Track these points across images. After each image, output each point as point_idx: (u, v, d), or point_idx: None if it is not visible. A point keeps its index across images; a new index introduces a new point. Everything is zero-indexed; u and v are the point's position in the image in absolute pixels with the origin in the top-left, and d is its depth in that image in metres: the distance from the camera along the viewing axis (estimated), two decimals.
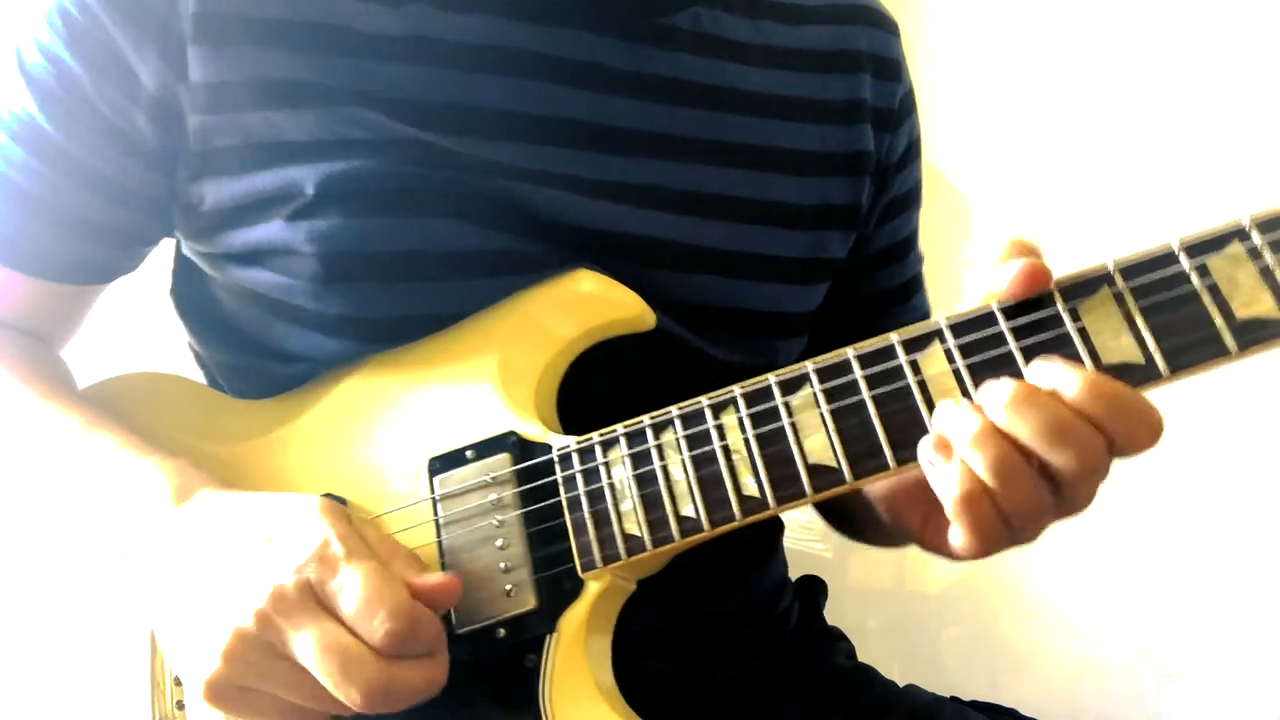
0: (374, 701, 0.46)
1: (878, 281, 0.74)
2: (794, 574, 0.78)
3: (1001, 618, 1.38)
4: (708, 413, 0.51)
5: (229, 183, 0.57)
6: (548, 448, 0.54)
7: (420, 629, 0.46)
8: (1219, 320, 0.44)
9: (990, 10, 1.57)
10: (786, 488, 0.49)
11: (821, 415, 0.49)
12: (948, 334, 0.48)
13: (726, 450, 0.50)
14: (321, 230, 0.56)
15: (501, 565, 0.53)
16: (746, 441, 0.50)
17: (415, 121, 0.57)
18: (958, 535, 0.46)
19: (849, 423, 0.48)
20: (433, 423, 0.58)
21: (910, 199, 0.75)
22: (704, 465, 0.51)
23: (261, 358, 0.62)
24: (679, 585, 0.60)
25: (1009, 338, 0.47)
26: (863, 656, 0.76)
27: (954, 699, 0.70)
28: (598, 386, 0.60)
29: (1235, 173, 1.18)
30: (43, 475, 0.60)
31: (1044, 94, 1.49)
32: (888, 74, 0.70)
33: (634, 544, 0.51)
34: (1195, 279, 0.44)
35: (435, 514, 0.55)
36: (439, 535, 0.55)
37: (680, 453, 0.51)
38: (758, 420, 0.50)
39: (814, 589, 0.76)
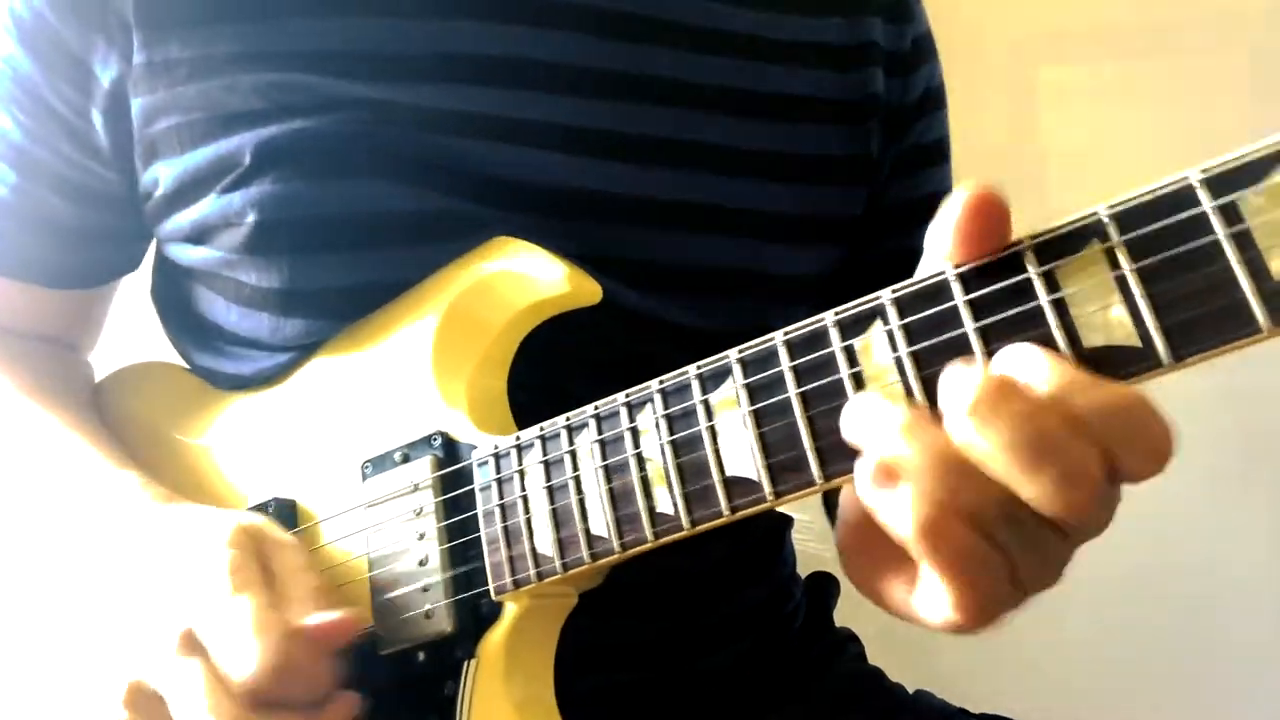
0: None
1: (894, 243, 0.63)
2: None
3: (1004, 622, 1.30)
4: (623, 413, 0.43)
5: (174, 162, 0.56)
6: (472, 449, 0.49)
7: (293, 674, 0.42)
8: (1246, 284, 0.31)
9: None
10: (702, 505, 0.41)
11: (743, 417, 0.40)
12: (891, 312, 0.37)
13: (640, 459, 0.43)
14: (253, 198, 0.53)
15: (422, 584, 0.48)
16: (661, 449, 0.42)
17: (346, 75, 0.54)
18: (935, 590, 0.34)
19: (772, 426, 0.39)
20: (371, 421, 0.54)
21: (936, 153, 0.65)
22: (616, 475, 0.43)
23: (221, 353, 0.60)
24: (671, 592, 0.55)
25: (964, 314, 0.36)
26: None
27: (963, 711, 0.61)
28: (562, 376, 0.53)
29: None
30: (15, 470, 0.61)
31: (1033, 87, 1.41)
32: (898, 15, 0.63)
33: (545, 566, 0.45)
34: (1219, 225, 0.31)
35: (363, 523, 0.51)
36: (367, 547, 0.51)
37: (594, 460, 0.44)
38: (674, 423, 0.42)
39: (825, 587, 0.67)
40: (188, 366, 0.67)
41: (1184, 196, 0.32)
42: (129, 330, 0.75)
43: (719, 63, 0.57)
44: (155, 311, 0.67)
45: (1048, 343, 0.33)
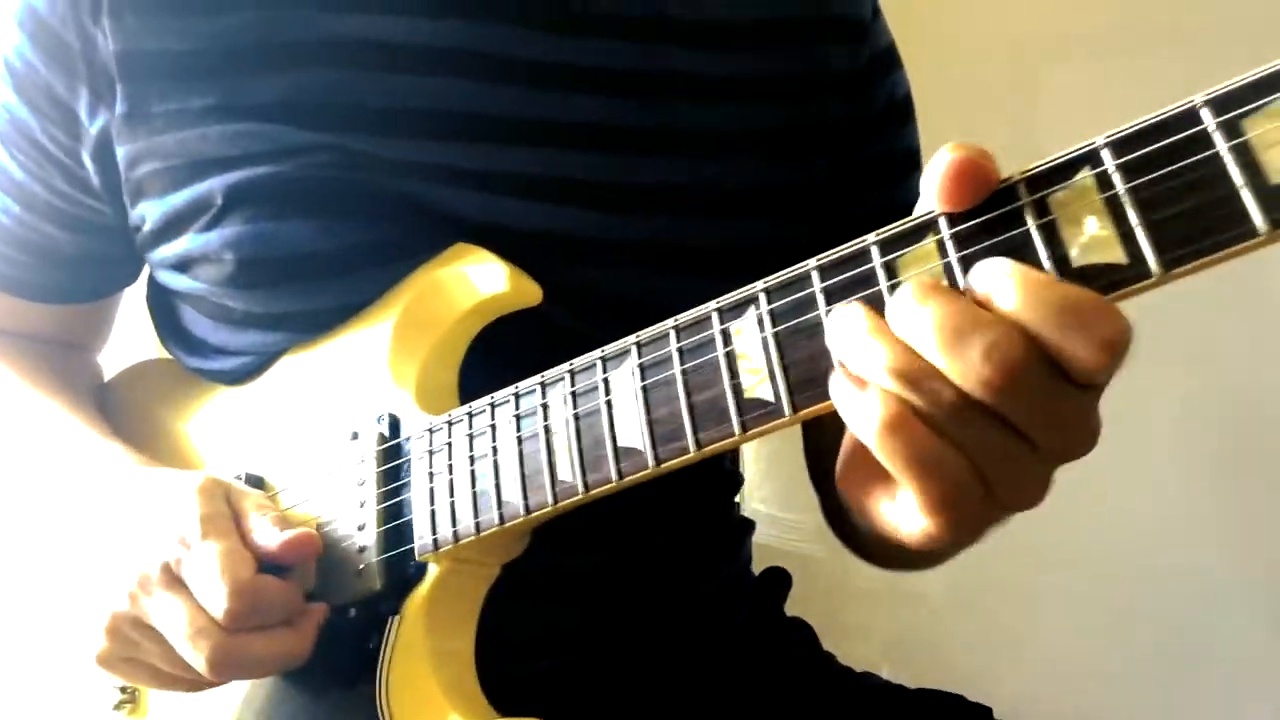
0: (220, 670, 0.49)
1: (879, 200, 0.66)
2: (795, 576, 0.73)
3: (1001, 617, 1.30)
4: (538, 390, 0.48)
5: (157, 203, 0.60)
6: (413, 427, 0.54)
7: (262, 602, 0.48)
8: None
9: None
10: (595, 470, 0.45)
11: (635, 392, 0.45)
12: (762, 299, 0.42)
13: (548, 430, 0.47)
14: (229, 238, 0.57)
15: (358, 546, 0.53)
16: (566, 420, 0.47)
17: (308, 124, 0.57)
18: (905, 497, 0.36)
19: (656, 399, 0.44)
20: (330, 402, 0.59)
21: (908, 164, 0.68)
22: (528, 445, 0.48)
23: (207, 356, 0.66)
24: (611, 578, 0.59)
25: (819, 300, 0.40)
26: (861, 656, 0.71)
27: (899, 686, 0.65)
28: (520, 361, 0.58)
29: None
30: (14, 456, 0.67)
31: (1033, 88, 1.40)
32: (853, 37, 0.65)
33: (461, 527, 0.49)
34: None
35: (316, 492, 0.56)
36: (318, 512, 0.56)
37: (512, 431, 0.49)
38: (579, 399, 0.47)
39: (776, 582, 0.70)
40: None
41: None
42: (134, 328, 0.81)
43: (666, 102, 0.60)
44: (150, 318, 0.72)
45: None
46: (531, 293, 0.56)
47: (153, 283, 0.71)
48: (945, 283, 0.36)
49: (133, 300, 0.78)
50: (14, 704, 0.72)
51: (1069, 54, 1.37)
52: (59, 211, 0.65)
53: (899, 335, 0.35)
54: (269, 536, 0.51)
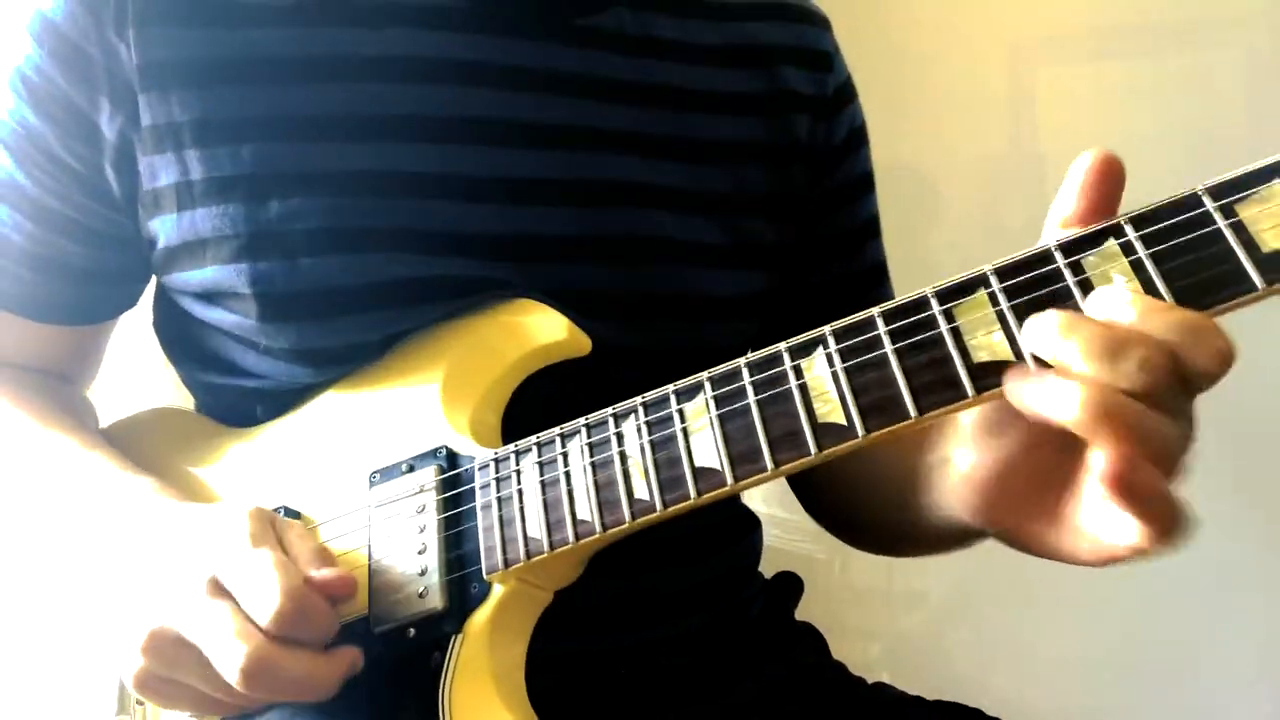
0: (251, 677, 0.48)
1: (841, 268, 0.75)
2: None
3: (1002, 619, 1.33)
4: (610, 421, 0.53)
5: (172, 220, 0.61)
6: (472, 459, 0.57)
7: (309, 613, 0.49)
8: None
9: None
10: (672, 490, 0.50)
11: (710, 420, 0.50)
12: (830, 339, 0.49)
13: (623, 456, 0.52)
14: (257, 273, 0.59)
15: (419, 569, 0.55)
16: (642, 447, 0.52)
17: (343, 138, 0.60)
18: (1116, 485, 0.39)
19: (733, 426, 0.49)
20: (380, 440, 0.62)
21: (861, 185, 0.76)
22: (602, 470, 0.52)
23: (230, 375, 0.66)
24: (624, 563, 0.59)
25: (885, 341, 0.47)
26: (861, 657, 0.74)
27: (918, 698, 0.67)
28: (546, 399, 0.61)
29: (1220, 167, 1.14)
30: (32, 486, 0.66)
31: (1033, 88, 1.46)
32: (817, 65, 0.72)
33: (534, 545, 0.53)
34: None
35: (368, 521, 0.58)
36: (369, 541, 0.58)
37: (584, 459, 0.53)
38: (653, 427, 0.52)
39: (788, 586, 0.74)
40: (188, 390, 0.74)
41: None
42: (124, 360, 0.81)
43: (660, 115, 0.66)
44: (160, 343, 0.73)
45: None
46: (583, 344, 0.61)
47: (163, 310, 0.71)
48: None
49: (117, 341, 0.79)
50: None
51: (1069, 54, 1.40)
52: (74, 224, 0.65)
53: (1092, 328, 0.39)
54: (314, 566, 0.52)
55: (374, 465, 0.61)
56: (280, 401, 0.66)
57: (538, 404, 0.61)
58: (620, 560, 0.57)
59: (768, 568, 0.75)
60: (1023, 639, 1.35)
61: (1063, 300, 0.44)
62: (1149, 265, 0.42)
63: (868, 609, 1.23)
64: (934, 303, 0.46)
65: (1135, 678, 1.32)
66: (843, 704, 0.67)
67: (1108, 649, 1.32)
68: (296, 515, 0.62)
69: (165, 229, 0.62)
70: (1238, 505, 1.29)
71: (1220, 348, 0.39)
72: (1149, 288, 0.42)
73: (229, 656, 0.48)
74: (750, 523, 0.73)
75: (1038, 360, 0.42)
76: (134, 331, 0.78)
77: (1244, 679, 1.30)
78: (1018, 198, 1.31)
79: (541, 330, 0.61)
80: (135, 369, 0.80)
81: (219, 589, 0.50)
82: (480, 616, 0.53)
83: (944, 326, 0.46)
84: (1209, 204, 0.42)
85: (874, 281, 0.77)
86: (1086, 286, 0.43)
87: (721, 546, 0.69)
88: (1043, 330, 0.41)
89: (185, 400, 0.76)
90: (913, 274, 0.79)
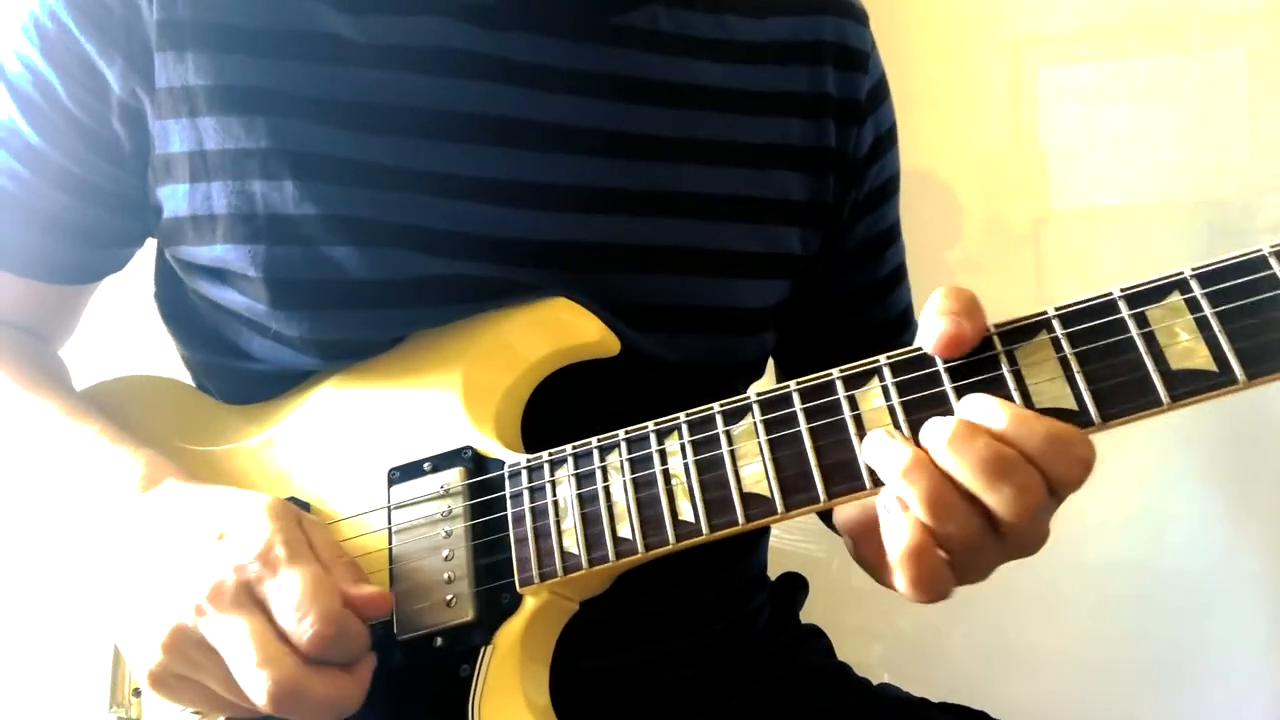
0: (281, 701, 0.46)
1: (858, 277, 0.74)
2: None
3: (1000, 618, 1.36)
4: (652, 438, 0.52)
5: (184, 190, 0.59)
6: (500, 463, 0.56)
7: (347, 636, 0.48)
8: (1152, 370, 0.43)
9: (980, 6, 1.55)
10: (720, 514, 0.49)
11: (760, 445, 0.49)
12: (886, 372, 0.48)
13: (667, 475, 0.51)
14: (272, 258, 0.57)
15: (445, 576, 0.54)
16: (686, 467, 0.51)
17: (367, 127, 0.58)
18: (901, 583, 0.46)
19: (784, 453, 0.49)
20: (397, 434, 0.60)
21: (887, 190, 0.75)
22: (644, 489, 0.51)
23: (234, 358, 0.64)
24: (647, 578, 0.58)
25: (944, 378, 0.47)
26: (855, 656, 0.75)
27: (923, 700, 0.69)
28: (555, 393, 0.60)
29: (1222, 178, 1.19)
30: (18, 459, 0.62)
31: (1033, 88, 1.47)
32: (853, 64, 0.70)
33: (571, 561, 0.52)
34: (1133, 327, 0.44)
35: (389, 522, 0.57)
36: (390, 542, 0.56)
37: (623, 475, 0.52)
38: (699, 447, 0.51)
39: (793, 587, 0.75)
40: (185, 367, 0.71)
41: (1108, 305, 0.45)
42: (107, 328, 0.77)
43: (697, 116, 0.64)
44: (161, 316, 0.70)
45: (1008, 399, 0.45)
46: (612, 345, 0.60)
47: (167, 284, 0.68)
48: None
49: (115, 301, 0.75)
50: None
51: (1069, 54, 1.41)
52: (73, 177, 0.62)
53: (942, 466, 0.43)
54: (350, 581, 0.51)
55: (391, 461, 0.59)
56: (288, 387, 0.63)
57: (553, 405, 0.60)
58: (643, 574, 0.56)
59: (769, 568, 0.76)
60: (1023, 639, 1.38)
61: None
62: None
63: (868, 609, 1.25)
64: (998, 341, 0.46)
65: (1136, 678, 1.36)
66: (850, 706, 0.68)
67: (1108, 649, 1.36)
68: (306, 507, 0.60)
69: (175, 198, 0.59)
70: (1238, 505, 1.32)
71: (1083, 455, 0.42)
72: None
73: (258, 678, 0.46)
74: (761, 531, 0.74)
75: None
76: (118, 293, 0.74)
77: (1245, 679, 1.34)
78: (1018, 197, 1.32)
79: (573, 330, 0.60)
80: (118, 333, 0.75)
81: (251, 598, 0.48)
82: (511, 628, 0.53)
83: (1006, 369, 0.46)
84: (1276, 266, 0.43)
85: (890, 286, 0.76)
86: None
87: (739, 558, 0.70)
88: (887, 457, 0.45)
89: (174, 371, 0.72)
90: (913, 274, 0.79)
